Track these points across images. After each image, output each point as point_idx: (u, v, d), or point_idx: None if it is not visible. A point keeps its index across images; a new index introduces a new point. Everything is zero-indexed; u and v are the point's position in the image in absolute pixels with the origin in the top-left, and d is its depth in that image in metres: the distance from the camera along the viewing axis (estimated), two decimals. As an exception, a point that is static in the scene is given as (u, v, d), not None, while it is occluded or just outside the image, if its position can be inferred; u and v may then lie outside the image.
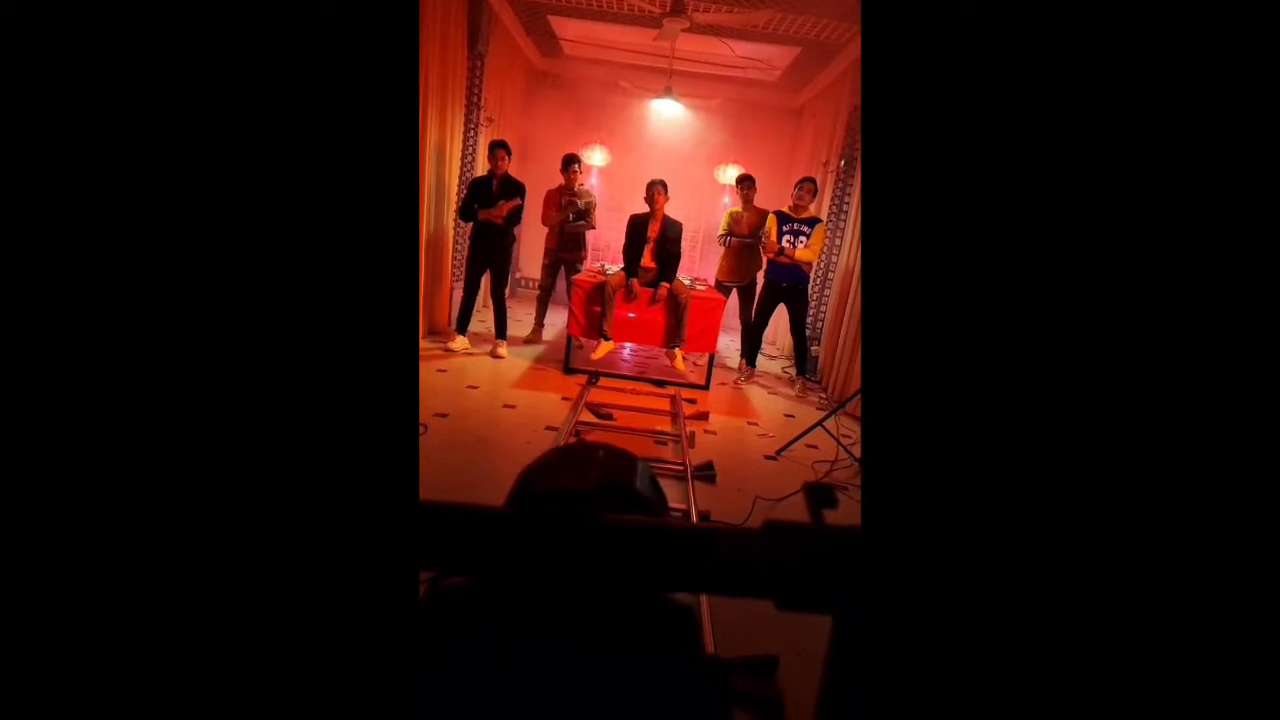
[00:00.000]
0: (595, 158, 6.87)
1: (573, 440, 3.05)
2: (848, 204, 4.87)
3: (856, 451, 3.13)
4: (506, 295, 4.62)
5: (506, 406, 3.50)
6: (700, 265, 6.78)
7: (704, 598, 1.74)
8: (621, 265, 4.48)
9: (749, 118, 6.85)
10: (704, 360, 4.45)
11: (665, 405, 3.89)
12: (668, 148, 6.69)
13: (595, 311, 4.28)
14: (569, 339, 4.34)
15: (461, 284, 4.66)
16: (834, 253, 4.99)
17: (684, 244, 4.59)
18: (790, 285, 4.49)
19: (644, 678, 0.53)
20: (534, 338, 4.95)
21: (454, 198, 4.79)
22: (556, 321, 5.30)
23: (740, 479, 2.90)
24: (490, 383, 3.86)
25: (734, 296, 4.90)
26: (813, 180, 4.55)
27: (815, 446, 3.33)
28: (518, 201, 4.37)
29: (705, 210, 7.01)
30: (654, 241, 4.36)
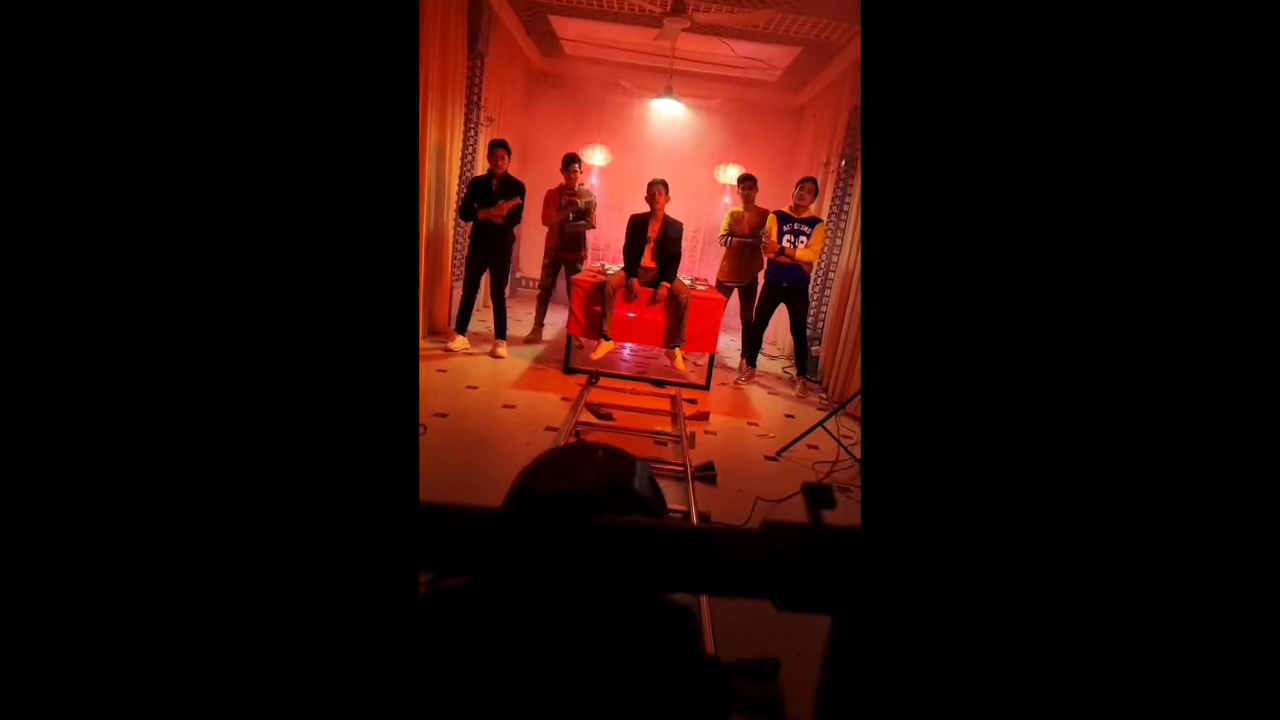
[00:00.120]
0: (595, 157, 6.88)
1: (572, 441, 3.05)
2: (848, 204, 4.87)
3: (857, 452, 3.13)
4: (506, 295, 4.62)
5: (506, 407, 3.50)
6: (700, 265, 6.78)
7: (704, 600, 1.74)
8: (622, 265, 4.48)
9: (749, 118, 6.85)
10: (704, 360, 4.45)
11: (665, 405, 3.89)
12: (668, 148, 6.69)
13: (595, 311, 4.28)
14: (569, 339, 4.34)
15: (461, 283, 4.66)
16: (834, 253, 4.99)
17: (684, 244, 4.59)
18: (791, 285, 4.49)
19: (643, 678, 0.53)
20: (534, 337, 4.95)
21: (454, 197, 4.79)
22: (556, 321, 5.30)
23: (741, 480, 2.90)
24: (490, 383, 3.86)
25: (735, 297, 4.90)
26: (813, 180, 4.55)
27: (816, 447, 3.33)
28: (517, 201, 4.37)
29: (705, 210, 7.01)
30: (654, 241, 4.36)
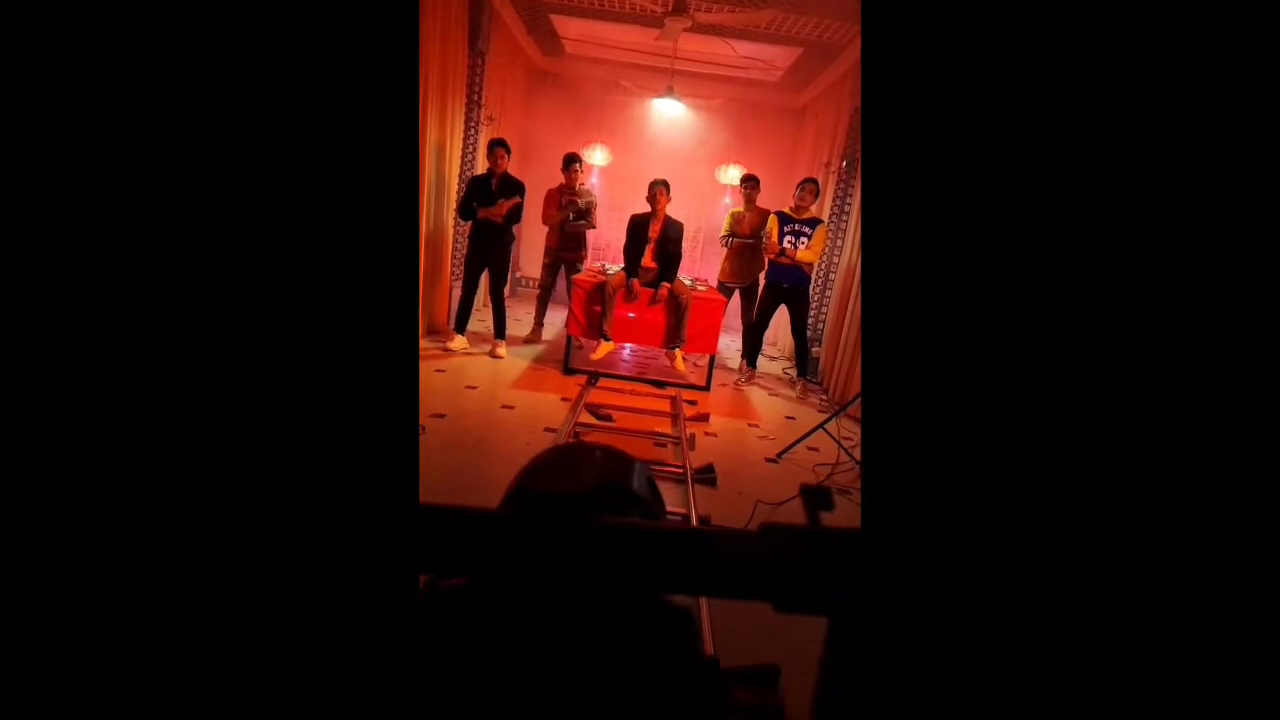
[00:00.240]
0: (596, 157, 6.88)
1: (571, 442, 3.05)
2: (849, 205, 4.87)
3: (858, 454, 3.13)
4: (506, 294, 4.62)
5: (505, 407, 3.50)
6: (701, 265, 6.78)
7: (704, 604, 1.74)
8: (622, 265, 4.48)
9: (750, 118, 6.86)
10: (704, 361, 4.45)
11: (665, 406, 3.89)
12: (669, 148, 6.70)
13: (595, 311, 4.28)
14: (569, 339, 4.34)
15: (460, 283, 4.66)
16: (835, 254, 4.99)
17: (685, 244, 4.59)
18: (791, 286, 4.49)
19: (642, 678, 0.53)
20: (533, 337, 4.95)
21: (453, 196, 4.79)
22: (556, 321, 5.30)
23: (741, 482, 2.89)
24: (489, 383, 3.86)
25: (736, 297, 4.90)
26: (814, 181, 4.55)
27: (816, 449, 3.33)
28: (517, 200, 4.37)
29: (706, 210, 7.01)
30: (655, 241, 4.36)
